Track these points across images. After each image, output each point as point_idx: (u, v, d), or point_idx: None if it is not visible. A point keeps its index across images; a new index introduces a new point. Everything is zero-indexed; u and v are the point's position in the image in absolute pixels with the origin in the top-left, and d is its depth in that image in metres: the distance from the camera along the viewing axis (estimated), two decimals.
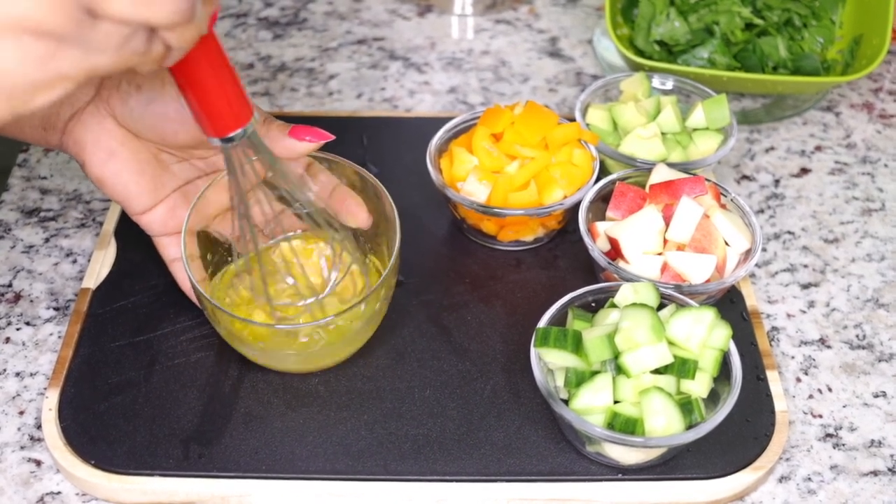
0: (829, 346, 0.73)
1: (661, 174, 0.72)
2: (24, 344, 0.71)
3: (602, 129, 0.80)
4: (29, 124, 0.63)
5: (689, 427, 0.60)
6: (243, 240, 0.63)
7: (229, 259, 0.69)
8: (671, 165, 0.74)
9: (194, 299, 0.68)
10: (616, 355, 0.60)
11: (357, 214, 0.67)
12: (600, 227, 0.72)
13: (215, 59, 0.50)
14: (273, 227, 0.68)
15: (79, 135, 0.62)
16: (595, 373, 0.61)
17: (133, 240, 0.76)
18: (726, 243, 0.70)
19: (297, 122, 0.65)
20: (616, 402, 0.60)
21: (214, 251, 0.68)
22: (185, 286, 0.68)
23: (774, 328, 0.74)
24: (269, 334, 0.64)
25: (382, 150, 0.85)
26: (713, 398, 0.62)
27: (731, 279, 0.69)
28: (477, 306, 0.73)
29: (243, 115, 0.53)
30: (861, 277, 0.78)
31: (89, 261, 0.76)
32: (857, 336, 0.74)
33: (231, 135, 0.53)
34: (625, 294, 0.64)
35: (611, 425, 0.59)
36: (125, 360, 0.68)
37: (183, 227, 0.64)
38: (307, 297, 0.66)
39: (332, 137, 0.64)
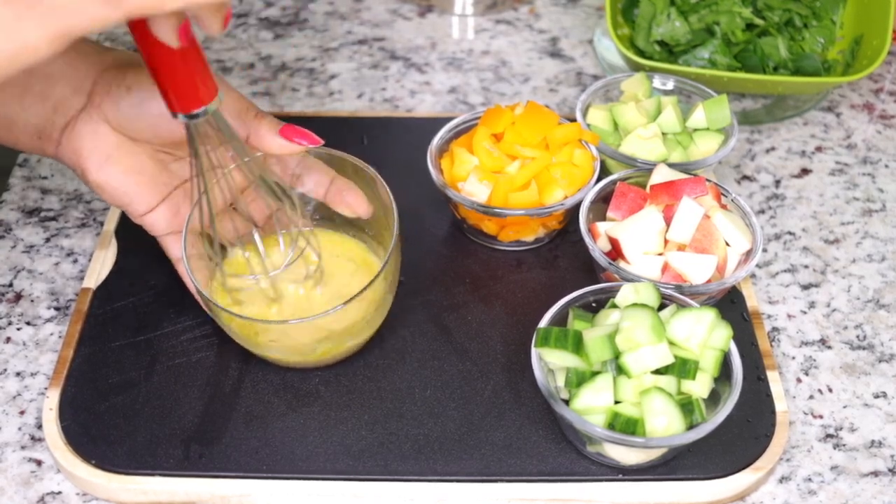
0: (829, 347, 0.73)
1: (661, 174, 0.72)
2: (24, 344, 0.71)
3: (603, 129, 0.80)
4: (24, 133, 0.63)
5: (690, 427, 0.60)
6: (201, 216, 0.63)
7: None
8: (672, 166, 0.74)
9: (199, 299, 0.68)
10: (617, 355, 0.60)
11: (356, 205, 0.68)
12: (601, 227, 0.72)
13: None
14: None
15: (74, 143, 0.62)
16: (596, 373, 0.61)
17: (134, 240, 0.76)
18: (727, 244, 0.70)
19: (298, 122, 0.65)
20: (617, 402, 0.60)
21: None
22: (191, 286, 0.68)
23: (775, 329, 0.74)
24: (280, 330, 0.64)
25: (383, 150, 0.85)
26: (714, 398, 0.62)
27: (732, 280, 0.69)
28: (477, 306, 0.73)
29: (209, 93, 0.55)
30: (861, 278, 0.78)
31: (90, 261, 0.76)
32: (858, 336, 0.74)
33: (196, 111, 0.55)
34: (625, 294, 0.64)
35: (611, 425, 0.59)
36: (126, 359, 0.68)
37: (184, 227, 0.64)
38: (258, 273, 0.66)
39: (322, 142, 0.64)
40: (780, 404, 0.67)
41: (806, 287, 0.78)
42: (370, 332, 0.67)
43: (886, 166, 0.89)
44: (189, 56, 0.52)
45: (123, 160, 0.63)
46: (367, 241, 0.72)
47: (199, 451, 0.63)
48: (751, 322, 0.72)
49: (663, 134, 0.79)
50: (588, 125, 0.80)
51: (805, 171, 0.88)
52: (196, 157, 0.59)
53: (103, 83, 0.62)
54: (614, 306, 0.65)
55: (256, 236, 0.66)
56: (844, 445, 0.67)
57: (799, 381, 0.71)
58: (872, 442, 0.67)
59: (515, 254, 0.77)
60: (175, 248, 0.67)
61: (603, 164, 0.78)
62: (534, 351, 0.62)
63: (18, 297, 0.75)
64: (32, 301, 0.74)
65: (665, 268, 0.68)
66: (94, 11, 0.41)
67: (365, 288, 0.61)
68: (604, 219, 0.73)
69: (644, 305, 0.62)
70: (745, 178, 0.87)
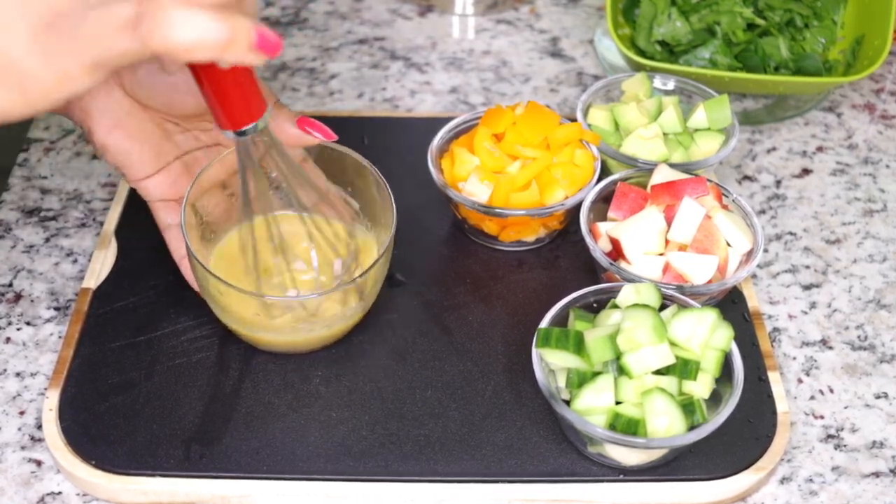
0: (830, 347, 0.73)
1: (662, 175, 0.72)
2: (24, 344, 0.71)
3: (604, 129, 0.80)
4: None
5: (691, 428, 0.60)
6: (247, 226, 0.65)
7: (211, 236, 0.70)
8: (673, 166, 0.74)
9: (185, 271, 0.68)
10: (618, 356, 0.60)
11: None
12: (602, 227, 0.71)
13: None
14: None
15: (85, 103, 0.62)
16: (597, 373, 0.61)
17: (134, 240, 0.76)
18: (728, 244, 0.70)
19: None
20: (618, 402, 0.60)
21: (206, 227, 0.69)
22: (178, 254, 0.68)
23: (776, 329, 0.74)
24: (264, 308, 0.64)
25: (383, 150, 0.85)
26: (715, 399, 0.62)
27: (733, 280, 0.69)
28: (478, 307, 0.73)
29: (257, 109, 0.55)
30: (863, 278, 0.78)
31: (90, 260, 0.76)
32: (859, 337, 0.74)
33: (244, 128, 0.55)
34: (626, 295, 0.64)
35: (612, 426, 0.59)
36: (126, 360, 0.68)
37: (185, 198, 0.64)
38: (295, 288, 0.67)
39: (336, 137, 0.65)
40: (782, 405, 0.67)
41: (807, 287, 0.77)
42: (354, 321, 0.67)
43: (887, 166, 0.89)
44: (237, 73, 0.52)
45: (131, 126, 0.63)
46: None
47: (200, 452, 0.63)
48: (752, 322, 0.72)
49: (664, 134, 0.79)
50: (589, 125, 0.80)
51: (806, 172, 0.88)
52: (243, 178, 0.60)
53: None
54: (615, 307, 0.64)
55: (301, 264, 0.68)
56: (846, 446, 0.67)
57: (800, 381, 0.71)
58: (874, 443, 0.67)
59: (516, 254, 0.77)
60: (164, 215, 0.67)
61: (604, 164, 0.78)
62: (535, 351, 0.62)
63: (18, 297, 0.74)
64: (32, 301, 0.74)
65: (666, 268, 0.68)
66: (123, 46, 0.43)
67: (349, 281, 0.62)
68: (605, 219, 0.73)
69: (645, 306, 0.62)
70: (746, 178, 0.87)
